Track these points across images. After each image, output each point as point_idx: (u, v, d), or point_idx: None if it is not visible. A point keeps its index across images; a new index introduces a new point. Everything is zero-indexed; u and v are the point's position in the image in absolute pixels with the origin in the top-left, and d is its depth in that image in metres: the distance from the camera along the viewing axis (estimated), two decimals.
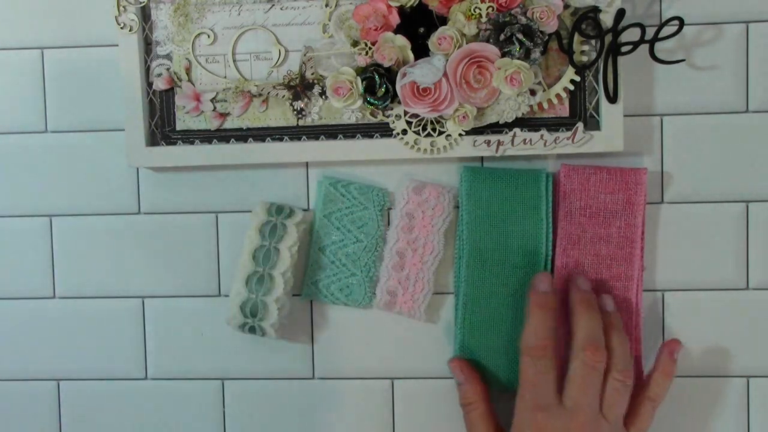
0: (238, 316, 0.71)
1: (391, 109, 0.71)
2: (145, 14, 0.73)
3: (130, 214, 0.76)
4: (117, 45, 0.73)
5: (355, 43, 0.70)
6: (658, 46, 0.69)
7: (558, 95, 0.71)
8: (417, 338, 0.75)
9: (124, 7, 0.72)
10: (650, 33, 0.69)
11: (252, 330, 0.71)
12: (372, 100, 0.70)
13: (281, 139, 0.73)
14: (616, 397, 0.67)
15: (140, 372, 0.77)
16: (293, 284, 0.73)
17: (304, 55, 0.72)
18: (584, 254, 0.72)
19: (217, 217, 0.76)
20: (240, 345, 0.76)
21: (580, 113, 0.72)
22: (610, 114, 0.70)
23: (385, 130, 0.72)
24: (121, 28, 0.72)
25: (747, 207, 0.73)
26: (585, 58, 0.70)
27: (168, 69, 0.73)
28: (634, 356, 0.72)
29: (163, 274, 0.75)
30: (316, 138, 0.73)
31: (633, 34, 0.69)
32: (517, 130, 0.71)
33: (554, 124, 0.72)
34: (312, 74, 0.72)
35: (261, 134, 0.73)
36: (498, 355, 0.72)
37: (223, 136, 0.73)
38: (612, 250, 0.72)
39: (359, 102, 0.70)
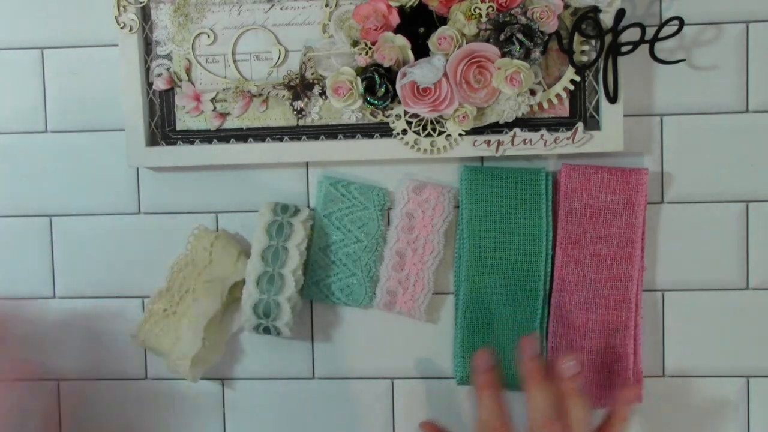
0: (251, 318, 0.71)
1: (391, 109, 0.71)
2: (145, 14, 0.73)
3: (130, 214, 0.76)
4: (117, 45, 0.73)
5: (355, 43, 0.70)
6: (658, 46, 0.69)
7: (558, 95, 0.71)
8: (417, 338, 0.75)
9: (124, 7, 0.72)
10: (650, 33, 0.69)
11: (266, 330, 0.71)
12: (372, 100, 0.70)
13: (281, 139, 0.73)
14: None
15: (140, 372, 0.77)
16: (303, 282, 0.73)
17: (304, 55, 0.72)
18: (584, 254, 0.72)
19: (217, 217, 0.76)
20: (240, 345, 0.76)
21: (580, 113, 0.72)
22: (610, 114, 0.70)
23: (385, 130, 0.72)
24: (121, 28, 0.72)
25: (747, 207, 0.73)
26: (585, 58, 0.70)
27: (168, 69, 0.73)
28: (633, 358, 0.72)
29: (163, 274, 0.75)
30: (316, 138, 0.73)
31: (633, 34, 0.69)
32: (517, 130, 0.71)
33: (554, 124, 0.72)
34: (312, 74, 0.72)
35: (261, 134, 0.73)
36: (499, 353, 0.72)
37: (223, 136, 0.73)
38: (612, 250, 0.72)
39: (359, 102, 0.70)
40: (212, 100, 0.73)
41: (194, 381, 0.72)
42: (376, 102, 0.70)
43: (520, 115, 0.70)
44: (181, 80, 0.73)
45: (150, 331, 0.73)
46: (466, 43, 0.68)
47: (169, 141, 0.74)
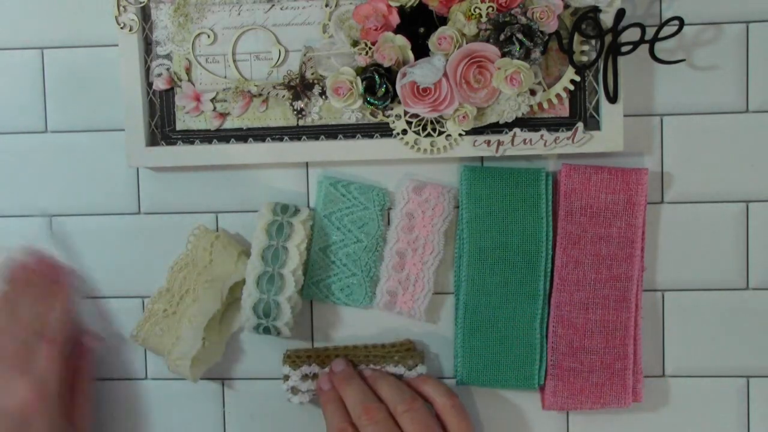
0: (251, 318, 0.71)
1: (391, 109, 0.71)
2: (145, 14, 0.73)
3: (130, 214, 0.76)
4: (117, 45, 0.73)
5: (355, 43, 0.70)
6: (658, 46, 0.69)
7: (558, 95, 0.71)
8: (417, 338, 0.75)
9: (124, 7, 0.72)
10: (650, 33, 0.69)
11: (267, 331, 0.71)
12: (372, 100, 0.70)
13: (281, 139, 0.73)
14: (416, 426, 0.68)
15: (141, 371, 0.77)
16: (303, 282, 0.73)
17: (304, 55, 0.72)
18: (584, 254, 0.72)
19: (217, 217, 0.76)
20: (240, 345, 0.76)
21: (580, 113, 0.72)
22: (610, 114, 0.70)
23: (385, 130, 0.72)
24: (121, 28, 0.72)
25: (747, 207, 0.73)
26: (585, 58, 0.70)
27: (168, 69, 0.73)
28: (633, 358, 0.72)
29: (163, 274, 0.75)
30: (316, 138, 0.73)
31: (633, 34, 0.69)
32: (517, 130, 0.71)
33: (554, 124, 0.72)
34: (312, 74, 0.72)
35: (261, 134, 0.73)
36: (499, 353, 0.72)
37: (223, 136, 0.73)
38: (612, 250, 0.72)
39: (359, 102, 0.70)
40: (212, 100, 0.73)
41: (194, 381, 0.72)
42: (376, 102, 0.70)
43: (520, 115, 0.70)
44: (181, 80, 0.73)
45: (150, 331, 0.73)
46: (466, 43, 0.68)
47: (169, 141, 0.74)
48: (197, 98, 0.73)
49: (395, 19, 0.69)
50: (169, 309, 0.73)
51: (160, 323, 0.72)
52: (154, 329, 0.72)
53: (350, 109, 0.72)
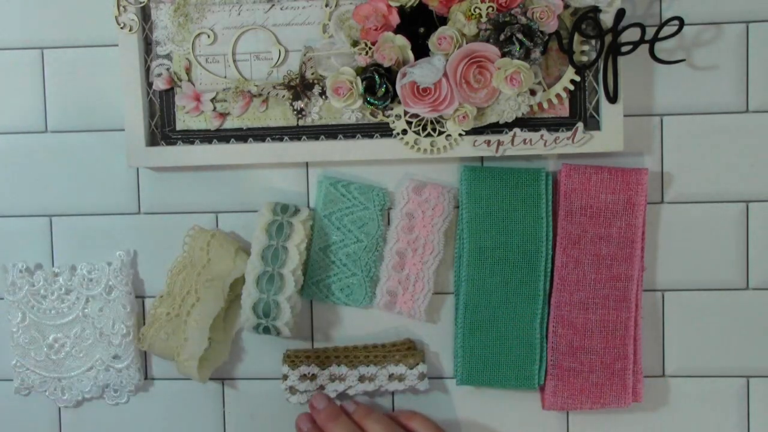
0: (251, 318, 0.71)
1: (391, 109, 0.71)
2: (145, 14, 0.73)
3: (130, 214, 0.76)
4: (117, 45, 0.73)
5: (355, 43, 0.70)
6: (658, 46, 0.69)
7: (558, 95, 0.71)
8: (417, 338, 0.75)
9: (124, 7, 0.72)
10: (650, 33, 0.69)
11: (266, 330, 0.71)
12: (372, 100, 0.70)
13: (281, 139, 0.73)
14: None
15: (141, 372, 0.77)
16: (302, 282, 0.73)
17: (304, 55, 0.72)
18: (584, 254, 0.72)
19: (217, 217, 0.76)
20: (240, 345, 0.76)
21: (580, 113, 0.72)
22: (610, 114, 0.70)
23: (385, 130, 0.72)
24: (121, 28, 0.72)
25: (747, 207, 0.73)
26: (585, 58, 0.70)
27: (168, 69, 0.73)
28: (633, 358, 0.72)
29: (164, 274, 0.75)
30: (316, 138, 0.73)
31: (633, 34, 0.69)
32: (517, 130, 0.71)
33: (554, 124, 0.72)
34: (312, 74, 0.72)
35: (261, 134, 0.73)
36: (499, 353, 0.72)
37: (223, 136, 0.73)
38: (612, 250, 0.72)
39: (359, 102, 0.70)
40: (212, 100, 0.73)
41: (203, 382, 0.73)
42: (376, 102, 0.70)
43: (520, 115, 0.70)
44: (181, 80, 0.73)
45: (155, 336, 0.73)
46: (466, 43, 0.68)
47: (169, 141, 0.74)
48: (197, 98, 0.73)
49: (395, 19, 0.69)
50: (172, 312, 0.73)
51: (165, 327, 0.72)
52: (159, 334, 0.72)
53: (350, 109, 0.72)
